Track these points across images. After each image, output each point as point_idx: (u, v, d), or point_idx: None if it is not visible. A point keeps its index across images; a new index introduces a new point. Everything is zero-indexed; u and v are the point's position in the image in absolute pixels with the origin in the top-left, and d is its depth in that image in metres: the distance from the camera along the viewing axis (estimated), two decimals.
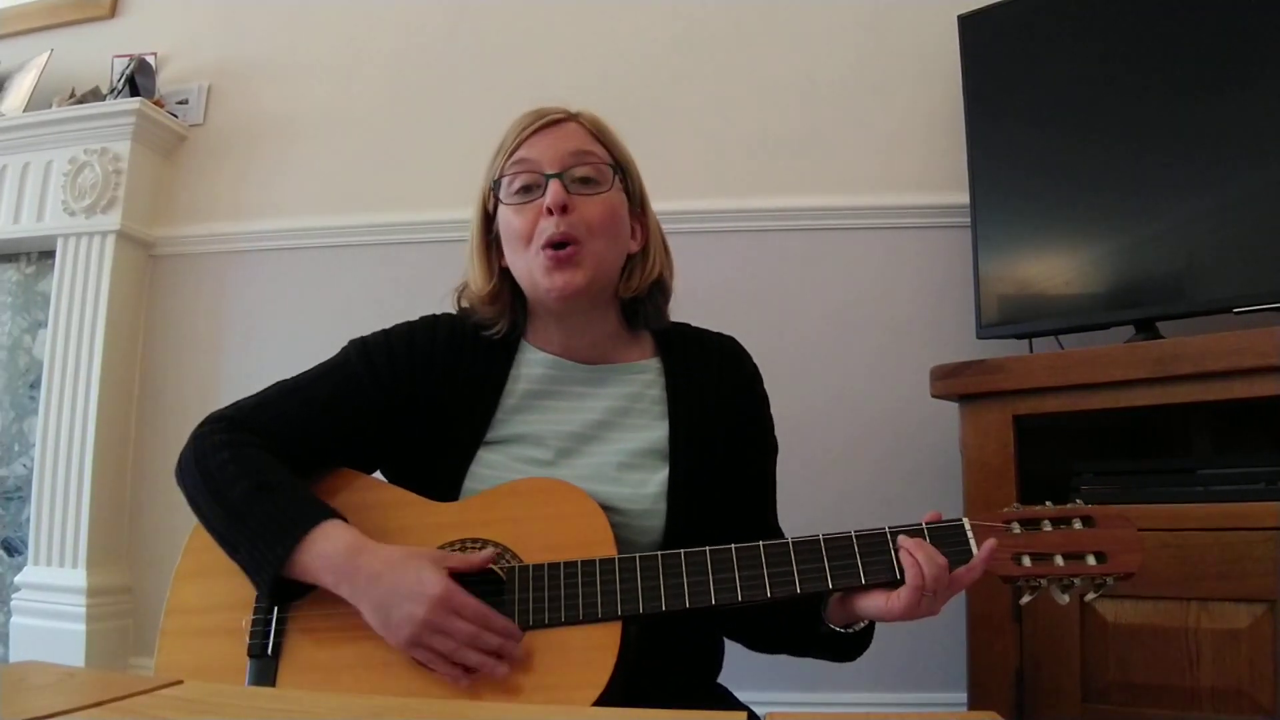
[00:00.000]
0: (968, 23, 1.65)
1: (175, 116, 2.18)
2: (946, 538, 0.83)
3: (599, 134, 1.00)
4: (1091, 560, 0.81)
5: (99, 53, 2.26)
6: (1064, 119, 1.53)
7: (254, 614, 0.86)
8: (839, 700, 1.66)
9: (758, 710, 0.81)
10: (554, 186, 0.92)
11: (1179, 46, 1.43)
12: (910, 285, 1.82)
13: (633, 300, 1.01)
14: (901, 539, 0.81)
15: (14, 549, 2.15)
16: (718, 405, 0.99)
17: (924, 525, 0.84)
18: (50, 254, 2.15)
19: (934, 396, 1.39)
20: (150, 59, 2.19)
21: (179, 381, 2.11)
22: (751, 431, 1.02)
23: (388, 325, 1.03)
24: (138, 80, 2.13)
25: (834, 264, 1.85)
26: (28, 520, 2.05)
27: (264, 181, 2.15)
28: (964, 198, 1.64)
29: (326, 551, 0.81)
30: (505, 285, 1.00)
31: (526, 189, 0.95)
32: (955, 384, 1.35)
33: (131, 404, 2.11)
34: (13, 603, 2.00)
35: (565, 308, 0.96)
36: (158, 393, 2.12)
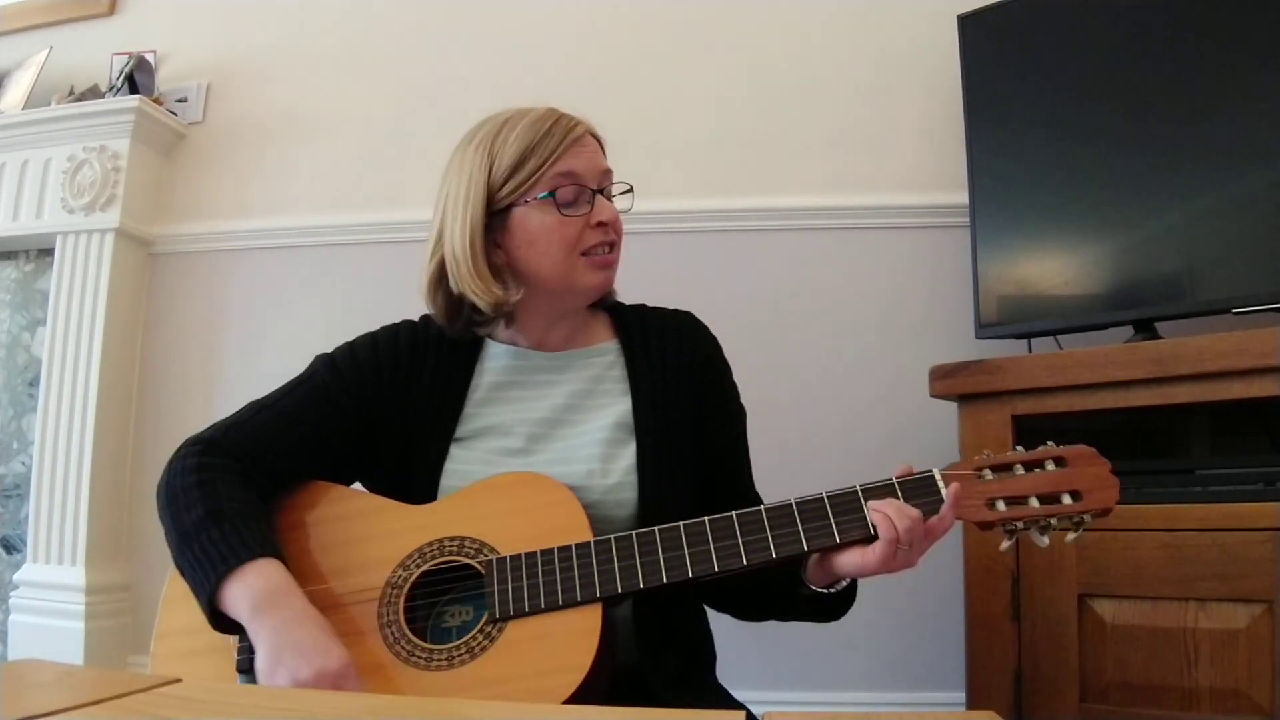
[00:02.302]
0: (967, 22, 1.65)
1: (174, 114, 2.18)
2: (918, 490, 0.84)
3: (602, 146, 1.04)
4: (1067, 499, 0.81)
5: (98, 50, 2.26)
6: (1063, 119, 1.53)
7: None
8: (837, 700, 1.66)
9: (755, 710, 0.81)
10: (608, 205, 0.98)
11: (1178, 47, 1.43)
12: (909, 285, 1.82)
13: None
14: (871, 503, 0.82)
15: (13, 547, 2.15)
16: (679, 378, 1.01)
17: (894, 480, 0.85)
18: (49, 252, 2.15)
19: (933, 396, 1.39)
20: (149, 57, 2.19)
21: (178, 379, 2.11)
22: (716, 399, 1.04)
23: (387, 324, 1.05)
24: (137, 78, 2.13)
25: (832, 264, 1.85)
26: (26, 518, 2.05)
27: (263, 179, 2.15)
28: (963, 198, 1.64)
29: (253, 584, 0.80)
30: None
31: (571, 202, 0.96)
32: (954, 384, 1.35)
33: (130, 402, 2.11)
34: (11, 600, 2.00)
35: (580, 303, 1.01)
36: (156, 391, 2.12)
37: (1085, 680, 1.19)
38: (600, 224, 0.96)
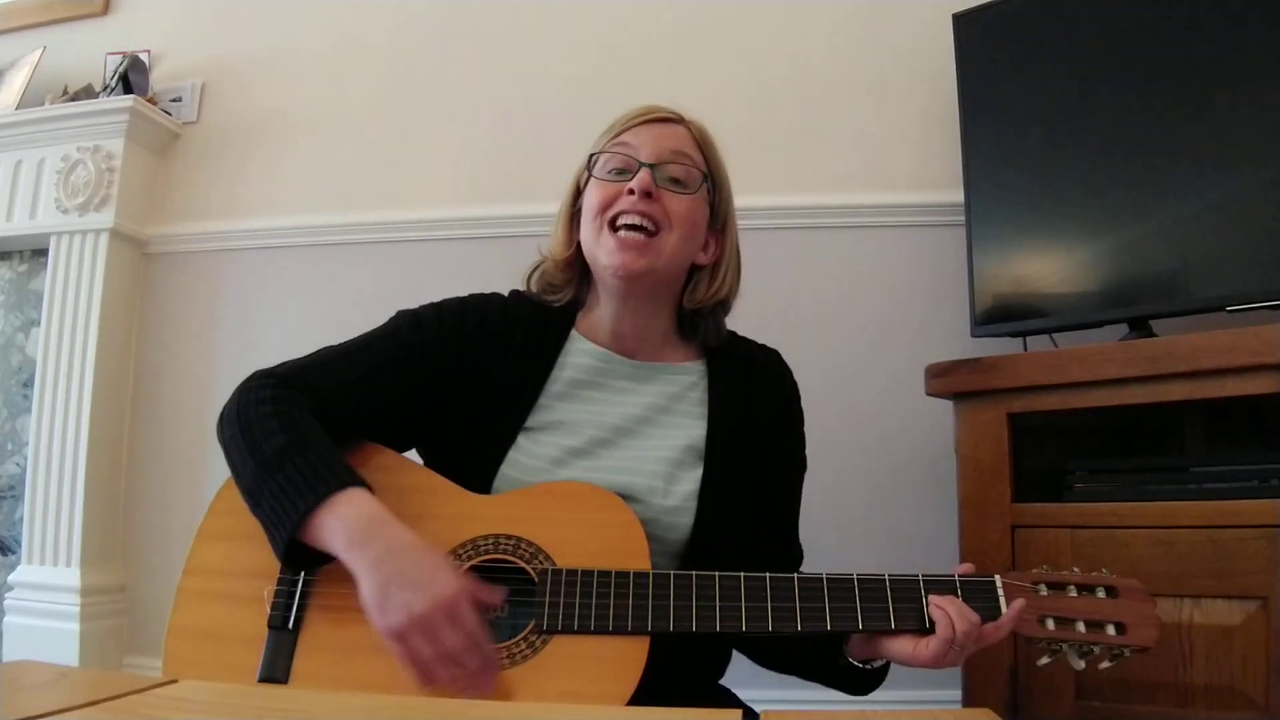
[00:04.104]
0: (962, 21, 1.65)
1: (169, 114, 2.17)
2: (977, 593, 0.84)
3: (702, 143, 1.04)
4: (1111, 630, 0.83)
5: (92, 50, 2.25)
6: (1058, 117, 1.53)
7: (278, 584, 0.84)
8: (834, 697, 1.66)
9: (754, 707, 0.81)
10: (644, 173, 0.95)
11: (1173, 46, 1.43)
12: (904, 284, 1.82)
13: (694, 312, 1.03)
14: (933, 597, 0.82)
15: (7, 548, 2.15)
16: (756, 415, 1.00)
17: (956, 578, 0.85)
18: (43, 252, 2.14)
19: (929, 395, 1.39)
20: (144, 56, 2.18)
21: (173, 380, 2.11)
22: (785, 445, 1.04)
23: (476, 292, 1.04)
24: (131, 78, 2.12)
25: (828, 263, 1.85)
26: (21, 519, 2.04)
27: (258, 179, 2.15)
28: (958, 196, 1.64)
29: (346, 515, 0.78)
30: (579, 257, 1.03)
31: (619, 170, 0.98)
32: (950, 382, 1.35)
33: (125, 402, 2.11)
34: (6, 602, 2.00)
35: (621, 288, 0.97)
36: (151, 391, 2.11)
37: (1080, 677, 1.19)
38: (631, 191, 0.94)
